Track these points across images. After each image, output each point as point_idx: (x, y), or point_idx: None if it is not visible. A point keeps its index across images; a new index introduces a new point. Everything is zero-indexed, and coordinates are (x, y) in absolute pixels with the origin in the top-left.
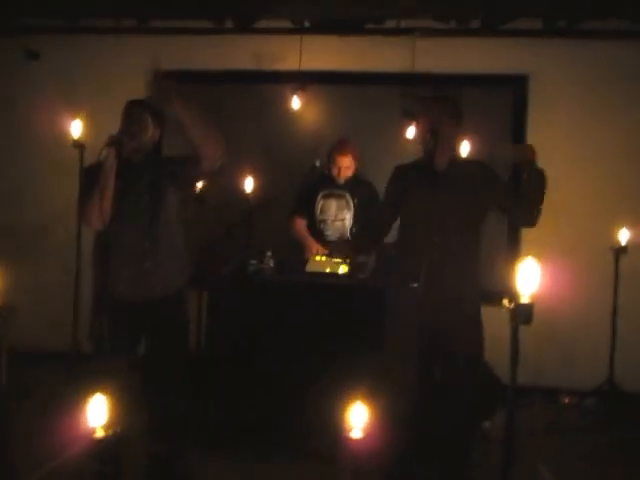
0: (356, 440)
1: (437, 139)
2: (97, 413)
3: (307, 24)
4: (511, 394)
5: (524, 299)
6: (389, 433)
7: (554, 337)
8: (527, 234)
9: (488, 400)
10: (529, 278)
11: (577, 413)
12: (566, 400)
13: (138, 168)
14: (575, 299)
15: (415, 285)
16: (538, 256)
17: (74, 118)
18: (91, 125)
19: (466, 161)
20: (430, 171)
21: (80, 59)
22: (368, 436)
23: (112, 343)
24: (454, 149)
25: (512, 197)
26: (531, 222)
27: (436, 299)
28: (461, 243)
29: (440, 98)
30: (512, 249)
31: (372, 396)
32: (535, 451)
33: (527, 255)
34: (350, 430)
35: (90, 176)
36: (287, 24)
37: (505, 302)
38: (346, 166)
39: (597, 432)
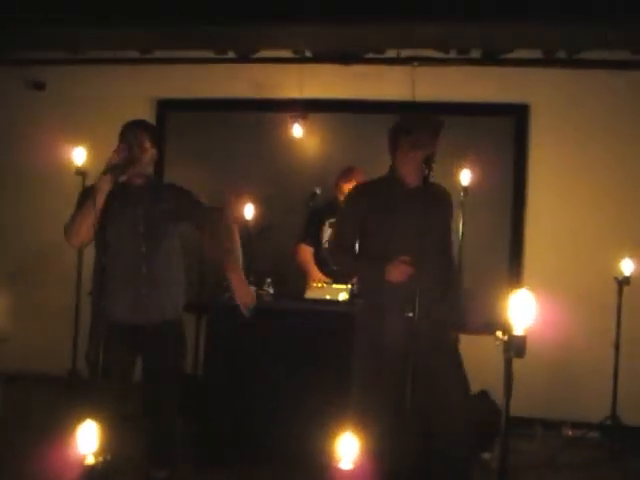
0: (346, 472)
1: (430, 165)
2: (88, 440)
3: (308, 53)
4: (504, 425)
5: (517, 331)
6: (380, 465)
7: (557, 369)
8: (529, 264)
9: (488, 431)
10: (522, 310)
11: (580, 446)
12: (569, 433)
13: (138, 192)
14: (578, 330)
15: (411, 314)
16: (539, 287)
17: (77, 146)
18: (94, 153)
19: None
20: (400, 189)
21: (84, 89)
22: (359, 468)
23: (106, 368)
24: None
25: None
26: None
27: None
28: (440, 264)
29: (424, 122)
30: (513, 279)
31: (365, 426)
32: None
33: (528, 285)
34: (339, 461)
35: (84, 197)
36: (288, 53)
37: (499, 334)
38: None
39: (600, 466)
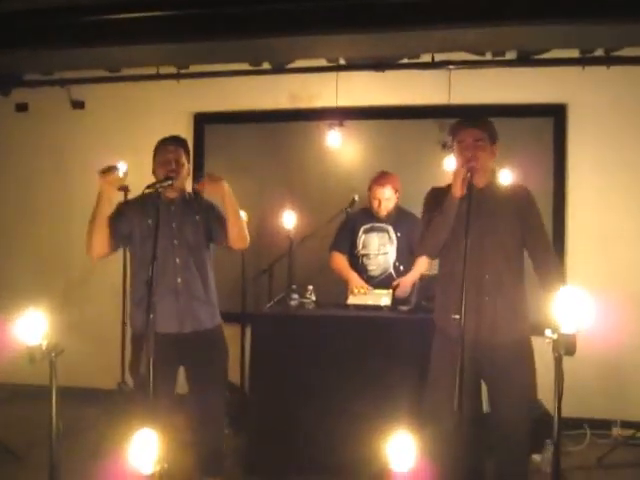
0: (401, 474)
1: (473, 173)
2: (145, 449)
3: (342, 61)
4: (556, 425)
5: (566, 329)
6: (435, 467)
7: (606, 368)
8: (573, 262)
9: (538, 433)
10: (572, 307)
11: (630, 446)
12: (618, 433)
13: (173, 206)
14: (626, 329)
15: (457, 317)
16: (584, 285)
17: (119, 162)
18: (134, 168)
19: (506, 185)
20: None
21: (122, 106)
22: (414, 470)
23: (151, 379)
24: (492, 171)
25: (541, 248)
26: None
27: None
28: (503, 263)
29: (470, 123)
30: None
31: (417, 429)
32: None
33: (572, 284)
34: (394, 464)
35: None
36: (322, 62)
37: (548, 332)
38: (386, 198)
39: None
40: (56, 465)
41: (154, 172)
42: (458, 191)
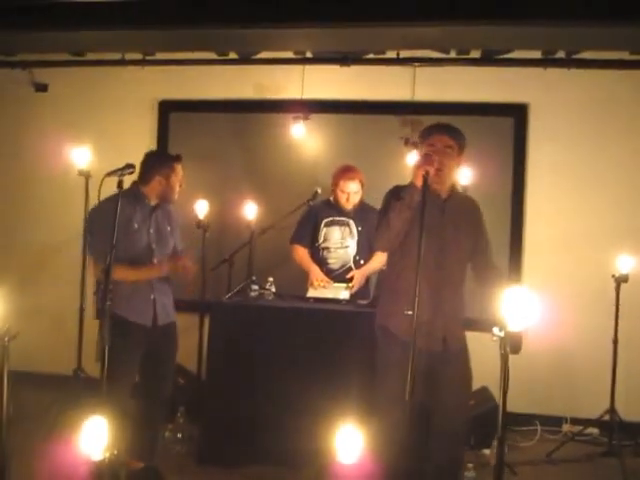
0: (347, 466)
1: (442, 176)
2: (95, 436)
3: (309, 54)
4: (501, 420)
5: (512, 327)
6: (381, 459)
7: (557, 365)
8: (528, 262)
9: (488, 427)
10: (518, 307)
11: (579, 442)
12: (568, 429)
13: (151, 210)
14: (577, 327)
15: (409, 312)
16: (539, 284)
17: (80, 148)
18: (96, 154)
19: (463, 195)
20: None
21: (86, 91)
22: (359, 461)
23: (121, 366)
24: (454, 179)
25: (485, 259)
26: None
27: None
28: (459, 273)
29: (444, 129)
30: (513, 277)
31: (365, 422)
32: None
33: (528, 283)
34: (341, 454)
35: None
36: (289, 54)
37: (495, 330)
38: (354, 191)
39: (598, 461)
40: (5, 449)
41: (158, 181)
42: (419, 181)
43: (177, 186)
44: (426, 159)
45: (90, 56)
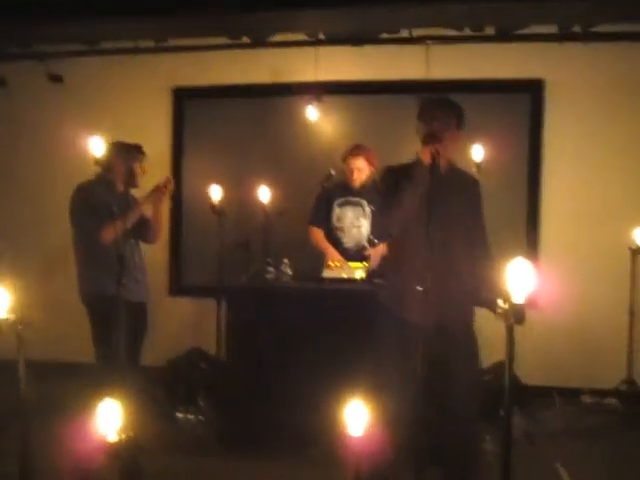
0: (357, 439)
1: (428, 143)
2: (110, 418)
3: (322, 36)
4: (507, 395)
5: (516, 299)
6: (392, 434)
7: (574, 337)
8: (545, 237)
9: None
10: (521, 278)
11: (597, 413)
12: (587, 400)
13: (130, 198)
14: (594, 298)
15: (420, 288)
16: (557, 259)
17: (96, 137)
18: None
19: (462, 170)
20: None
21: (101, 80)
22: (369, 435)
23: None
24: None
25: (480, 236)
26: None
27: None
28: (460, 248)
29: (440, 103)
30: (530, 251)
31: (376, 398)
32: (555, 452)
33: (545, 258)
34: (351, 429)
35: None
36: (302, 37)
37: (499, 302)
38: (358, 167)
39: (616, 431)
40: (27, 436)
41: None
42: (427, 158)
43: (141, 172)
44: (433, 137)
45: (103, 45)
